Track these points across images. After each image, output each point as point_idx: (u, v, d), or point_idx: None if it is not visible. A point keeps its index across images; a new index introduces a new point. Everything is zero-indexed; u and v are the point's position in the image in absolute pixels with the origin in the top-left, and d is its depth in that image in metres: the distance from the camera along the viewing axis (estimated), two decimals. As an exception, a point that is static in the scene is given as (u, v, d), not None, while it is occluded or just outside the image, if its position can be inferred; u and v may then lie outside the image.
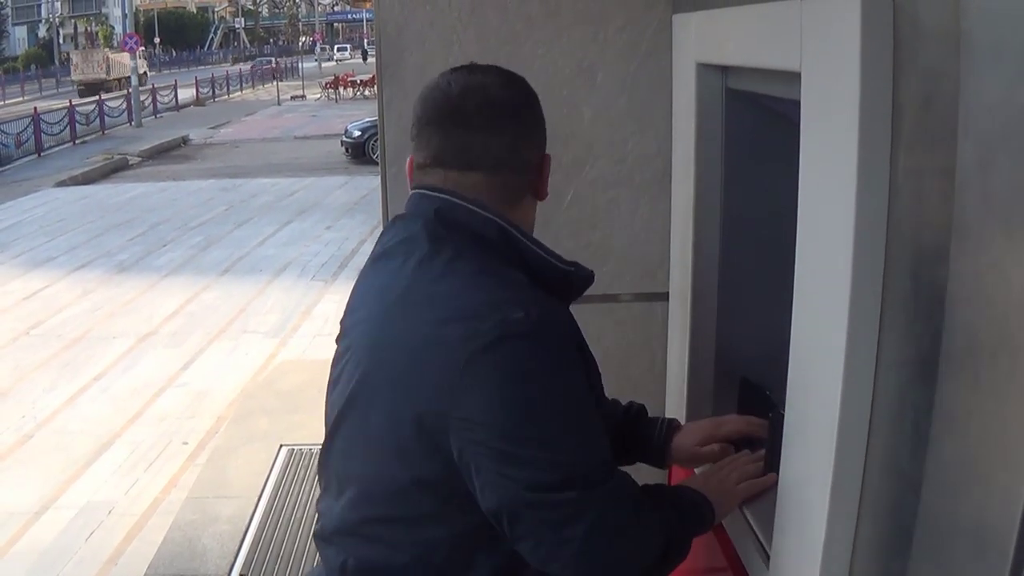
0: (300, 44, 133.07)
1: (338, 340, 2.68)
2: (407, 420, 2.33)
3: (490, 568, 2.42)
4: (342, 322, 2.70)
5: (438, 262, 2.40)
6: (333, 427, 2.57)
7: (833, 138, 2.16)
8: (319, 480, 2.72)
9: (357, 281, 2.69)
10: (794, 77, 2.36)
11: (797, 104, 2.37)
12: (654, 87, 3.78)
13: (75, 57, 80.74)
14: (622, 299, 3.89)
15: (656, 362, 3.90)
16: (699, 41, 3.39)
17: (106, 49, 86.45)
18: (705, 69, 3.33)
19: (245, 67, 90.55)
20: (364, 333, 2.53)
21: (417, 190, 2.54)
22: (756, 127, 3.18)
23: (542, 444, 2.27)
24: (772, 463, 2.66)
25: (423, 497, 2.39)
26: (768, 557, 2.64)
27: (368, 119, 34.02)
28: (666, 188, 3.77)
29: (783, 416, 2.53)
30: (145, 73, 77.83)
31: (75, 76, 75.68)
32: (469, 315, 2.31)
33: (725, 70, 3.26)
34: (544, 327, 2.30)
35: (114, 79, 73.02)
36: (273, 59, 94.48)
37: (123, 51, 72.03)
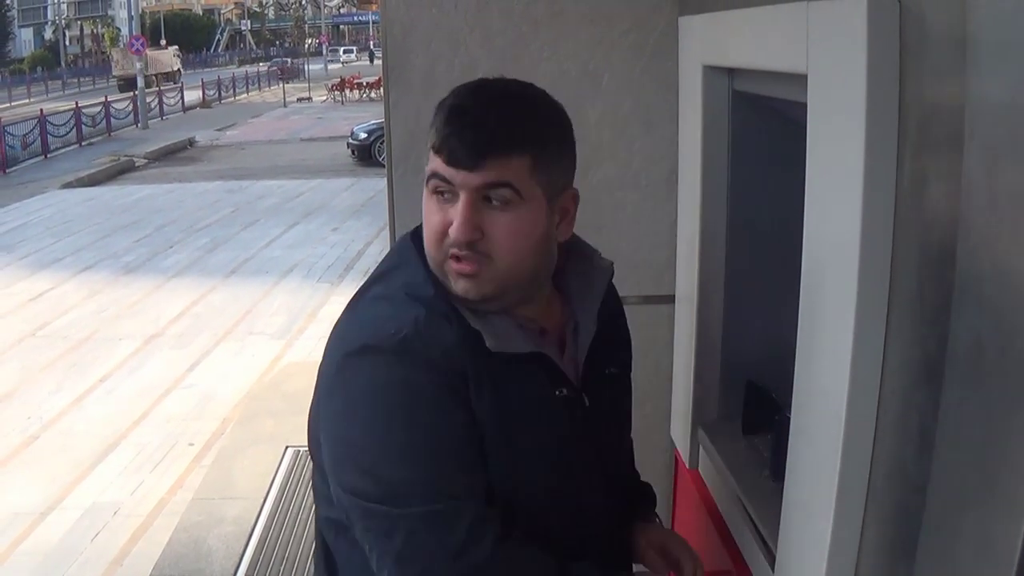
0: (306, 46, 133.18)
1: None
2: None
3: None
4: None
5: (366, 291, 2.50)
6: None
7: (839, 140, 2.16)
8: None
9: None
10: (800, 79, 2.36)
11: (804, 106, 2.37)
12: (660, 89, 3.81)
13: (115, 54, 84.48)
14: (629, 302, 3.85)
15: (662, 365, 3.90)
16: (705, 43, 3.40)
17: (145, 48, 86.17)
18: (711, 71, 3.33)
19: (252, 69, 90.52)
20: None
21: None
22: (762, 129, 3.19)
23: (364, 451, 2.28)
24: (778, 466, 2.66)
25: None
26: (774, 559, 2.64)
27: (374, 121, 34.00)
28: (672, 190, 3.78)
29: (789, 419, 2.53)
30: (179, 71, 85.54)
31: (115, 71, 78.71)
32: (349, 332, 2.41)
33: (731, 72, 3.26)
34: (411, 345, 2.26)
35: (152, 74, 74.14)
36: (289, 59, 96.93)
37: (164, 48, 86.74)
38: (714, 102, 3.34)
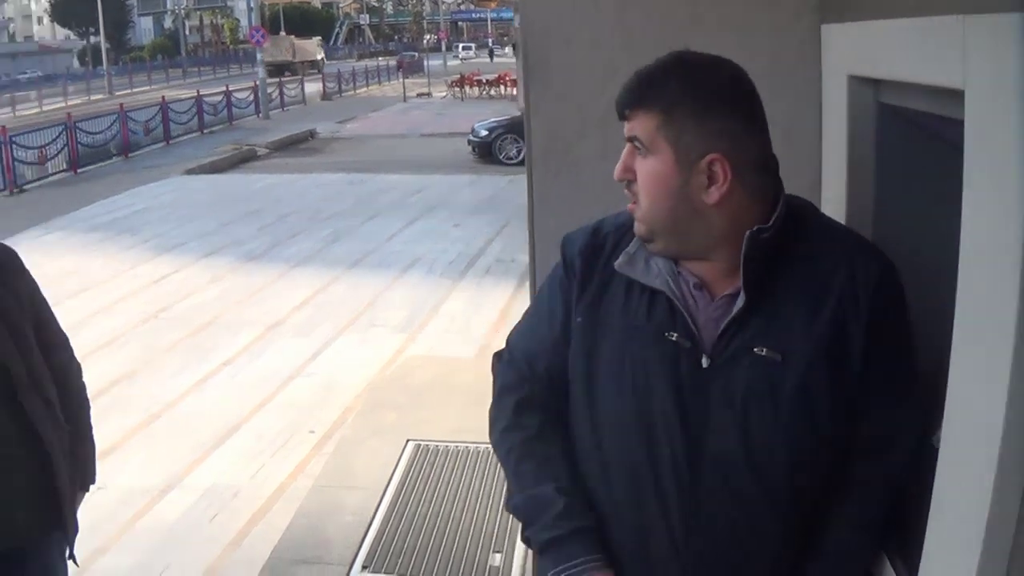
0: (425, 42, 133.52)
1: None
2: None
3: None
4: None
5: None
6: None
7: (999, 160, 2.08)
8: None
9: None
10: (955, 95, 2.29)
11: (955, 122, 2.31)
12: (801, 97, 3.77)
13: (267, 42, 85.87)
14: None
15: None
16: (849, 53, 3.37)
17: (291, 37, 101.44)
18: (856, 82, 3.30)
19: (371, 63, 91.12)
20: None
21: None
22: (909, 143, 3.09)
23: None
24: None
25: None
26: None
27: (494, 119, 34.02)
28: (815, 200, 3.76)
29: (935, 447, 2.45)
30: (323, 59, 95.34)
31: (265, 58, 79.17)
32: None
33: (877, 83, 3.21)
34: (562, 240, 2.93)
35: (298, 62, 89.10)
36: (415, 54, 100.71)
37: (309, 39, 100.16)
38: (860, 113, 3.30)
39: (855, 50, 3.32)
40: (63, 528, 4.18)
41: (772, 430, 2.58)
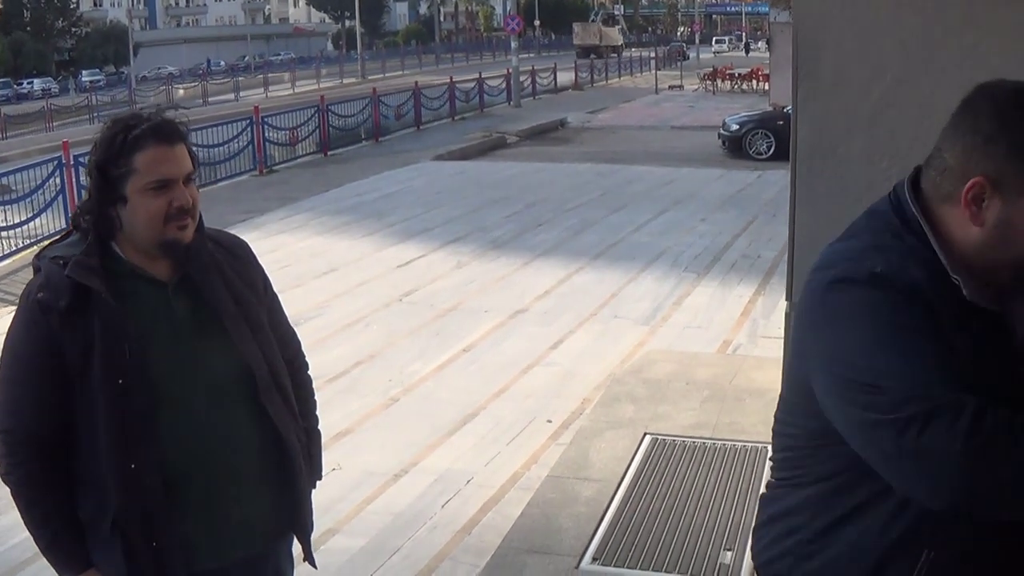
0: (679, 34, 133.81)
1: None
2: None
3: None
4: None
5: None
6: None
7: None
8: None
9: None
10: None
11: None
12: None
13: (576, 27, 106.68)
14: None
15: None
16: None
17: (598, 24, 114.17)
18: None
19: (625, 53, 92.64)
20: None
21: None
22: None
23: (865, 369, 2.58)
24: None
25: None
26: None
27: (745, 113, 33.87)
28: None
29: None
30: (623, 44, 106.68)
31: (576, 41, 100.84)
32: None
33: None
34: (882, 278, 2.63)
35: (604, 45, 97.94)
36: (684, 44, 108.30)
37: (612, 27, 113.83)
38: None
39: None
40: (301, 528, 4.12)
41: None
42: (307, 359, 4.46)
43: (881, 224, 2.78)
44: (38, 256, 3.69)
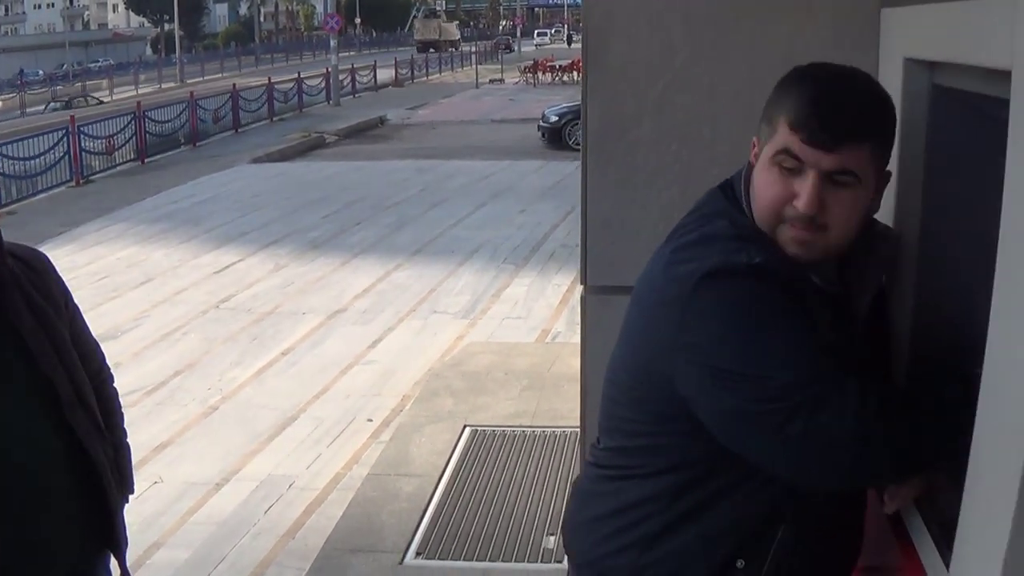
0: (500, 28, 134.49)
1: None
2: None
3: None
4: None
5: None
6: None
7: None
8: None
9: None
10: (1004, 75, 2.26)
11: (1006, 103, 2.27)
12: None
13: (417, 23, 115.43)
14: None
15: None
16: (907, 36, 3.34)
17: (438, 20, 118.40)
18: (912, 64, 3.25)
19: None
20: None
21: None
22: (962, 124, 3.06)
23: (747, 360, 2.62)
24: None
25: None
26: (949, 557, 2.55)
27: (565, 104, 34.10)
28: (867, 181, 3.68)
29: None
30: (459, 39, 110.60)
31: (416, 36, 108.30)
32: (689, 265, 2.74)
33: (932, 66, 3.17)
34: (766, 269, 2.64)
35: (443, 40, 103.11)
36: (510, 37, 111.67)
37: (451, 23, 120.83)
38: (913, 95, 3.24)
39: (912, 33, 3.30)
40: (115, 545, 4.03)
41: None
42: (125, 371, 4.38)
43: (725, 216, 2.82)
44: None
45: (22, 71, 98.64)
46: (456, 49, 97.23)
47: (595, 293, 4.12)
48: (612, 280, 4.01)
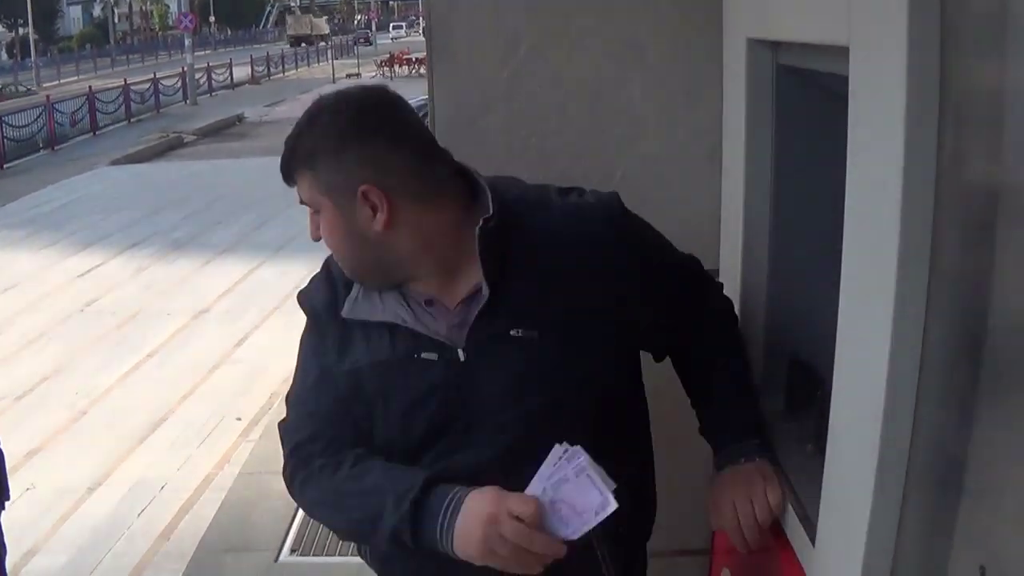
0: (355, 23, 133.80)
1: None
2: None
3: None
4: None
5: None
6: None
7: (880, 115, 2.13)
8: None
9: None
10: (843, 52, 2.34)
11: (846, 79, 2.34)
12: (706, 63, 3.75)
13: (289, 19, 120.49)
14: (671, 277, 3.88)
15: (705, 340, 3.88)
16: (749, 16, 3.37)
17: (310, 15, 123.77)
18: (755, 44, 3.31)
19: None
20: None
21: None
22: (807, 103, 3.15)
23: None
24: (820, 442, 2.64)
25: None
26: (814, 533, 2.63)
27: (423, 96, 33.93)
28: (717, 165, 3.75)
29: (830, 394, 2.51)
30: (329, 33, 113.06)
31: (289, 32, 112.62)
32: None
33: (776, 45, 3.23)
34: (300, 297, 2.99)
35: (315, 35, 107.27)
36: (368, 31, 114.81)
37: (321, 17, 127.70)
38: (758, 76, 3.32)
39: (754, 13, 3.32)
40: None
41: (544, 398, 2.70)
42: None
43: None
44: None
45: None
46: (327, 42, 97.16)
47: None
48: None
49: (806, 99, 3.16)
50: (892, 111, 2.05)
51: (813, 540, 2.63)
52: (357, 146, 2.61)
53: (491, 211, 2.63)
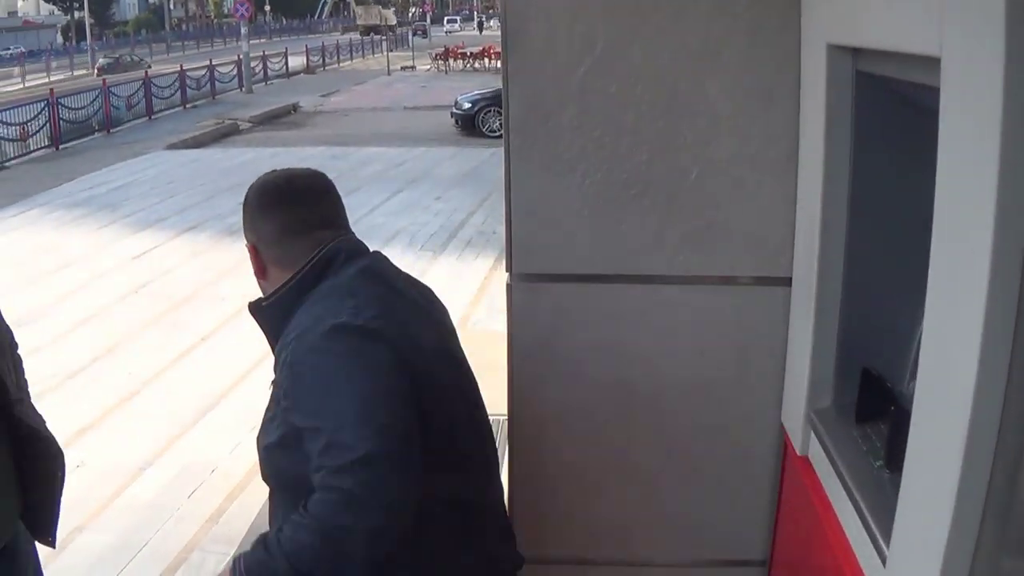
0: (411, 14, 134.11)
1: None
2: None
3: None
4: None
5: None
6: None
7: (974, 128, 2.08)
8: None
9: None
10: (931, 62, 2.29)
11: (931, 90, 2.31)
12: (781, 66, 3.74)
13: (359, 9, 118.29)
14: (741, 282, 3.84)
15: (775, 348, 3.86)
16: (829, 21, 3.35)
17: (379, 6, 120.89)
18: (835, 50, 3.28)
19: (356, 36, 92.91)
20: None
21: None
22: (887, 112, 3.12)
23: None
24: (892, 457, 2.61)
25: None
26: (884, 552, 2.60)
27: (478, 91, 33.97)
28: (792, 169, 3.72)
29: (907, 410, 2.48)
30: (397, 23, 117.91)
31: (359, 22, 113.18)
32: None
33: (856, 52, 3.19)
34: None
35: (384, 25, 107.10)
36: (425, 24, 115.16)
37: (388, 8, 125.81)
38: (838, 82, 3.28)
39: (834, 18, 3.29)
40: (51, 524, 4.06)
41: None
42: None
43: None
44: None
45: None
46: (394, 32, 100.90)
47: (521, 280, 4.14)
48: (537, 267, 4.08)
49: (887, 107, 3.12)
50: (987, 125, 2.01)
51: (884, 561, 2.60)
52: (251, 215, 3.42)
53: (277, 296, 3.46)
